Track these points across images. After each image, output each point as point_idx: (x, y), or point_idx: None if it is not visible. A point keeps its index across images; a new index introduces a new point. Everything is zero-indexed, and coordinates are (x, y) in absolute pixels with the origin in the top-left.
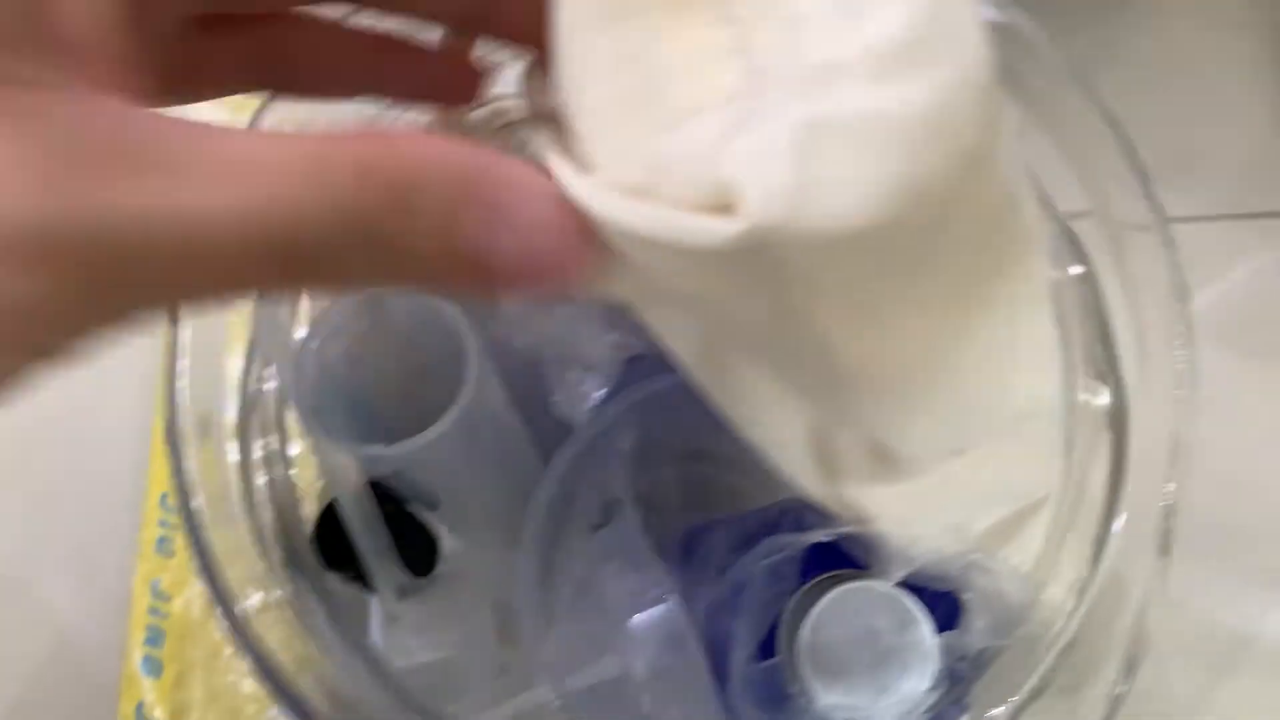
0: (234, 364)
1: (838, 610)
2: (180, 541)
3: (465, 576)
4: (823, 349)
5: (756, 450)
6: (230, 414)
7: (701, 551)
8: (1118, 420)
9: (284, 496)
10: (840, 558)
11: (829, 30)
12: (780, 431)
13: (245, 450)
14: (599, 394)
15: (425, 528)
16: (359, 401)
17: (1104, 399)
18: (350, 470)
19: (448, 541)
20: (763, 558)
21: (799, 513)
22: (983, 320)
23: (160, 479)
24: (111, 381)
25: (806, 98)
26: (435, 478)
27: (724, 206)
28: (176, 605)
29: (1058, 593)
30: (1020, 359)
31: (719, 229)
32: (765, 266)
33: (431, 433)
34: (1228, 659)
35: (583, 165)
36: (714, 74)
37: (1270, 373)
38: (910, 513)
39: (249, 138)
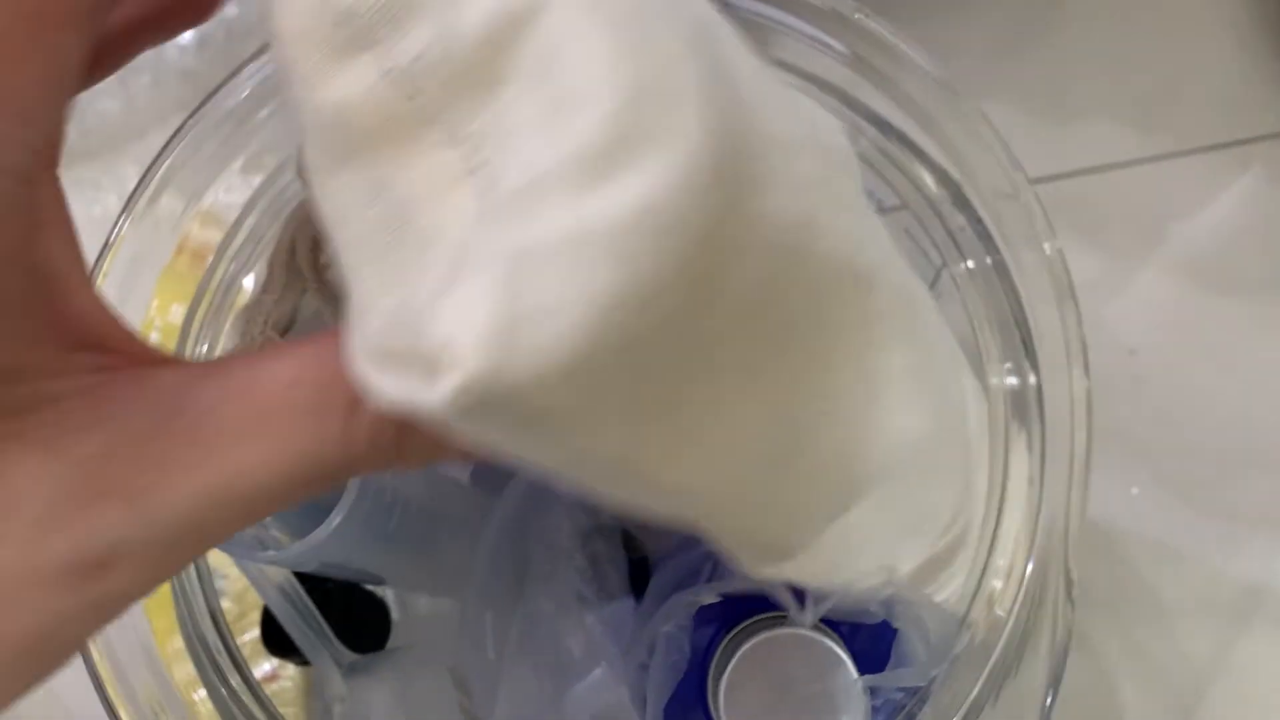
0: None
1: (757, 660)
2: None
3: (426, 646)
4: (643, 479)
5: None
6: None
7: (654, 588)
8: (1037, 407)
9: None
10: (760, 599)
11: (534, 144)
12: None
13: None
14: None
15: (376, 601)
16: None
17: (1018, 385)
18: (263, 570)
19: (421, 605)
20: (663, 623)
21: (714, 560)
22: (824, 383)
23: None
24: None
25: (510, 227)
26: (361, 560)
27: (436, 363)
28: None
29: (985, 613)
30: (882, 401)
31: (430, 392)
32: (515, 419)
33: (318, 535)
34: (1239, 615)
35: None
36: (452, 198)
37: (1259, 306)
38: (833, 564)
39: (260, 380)
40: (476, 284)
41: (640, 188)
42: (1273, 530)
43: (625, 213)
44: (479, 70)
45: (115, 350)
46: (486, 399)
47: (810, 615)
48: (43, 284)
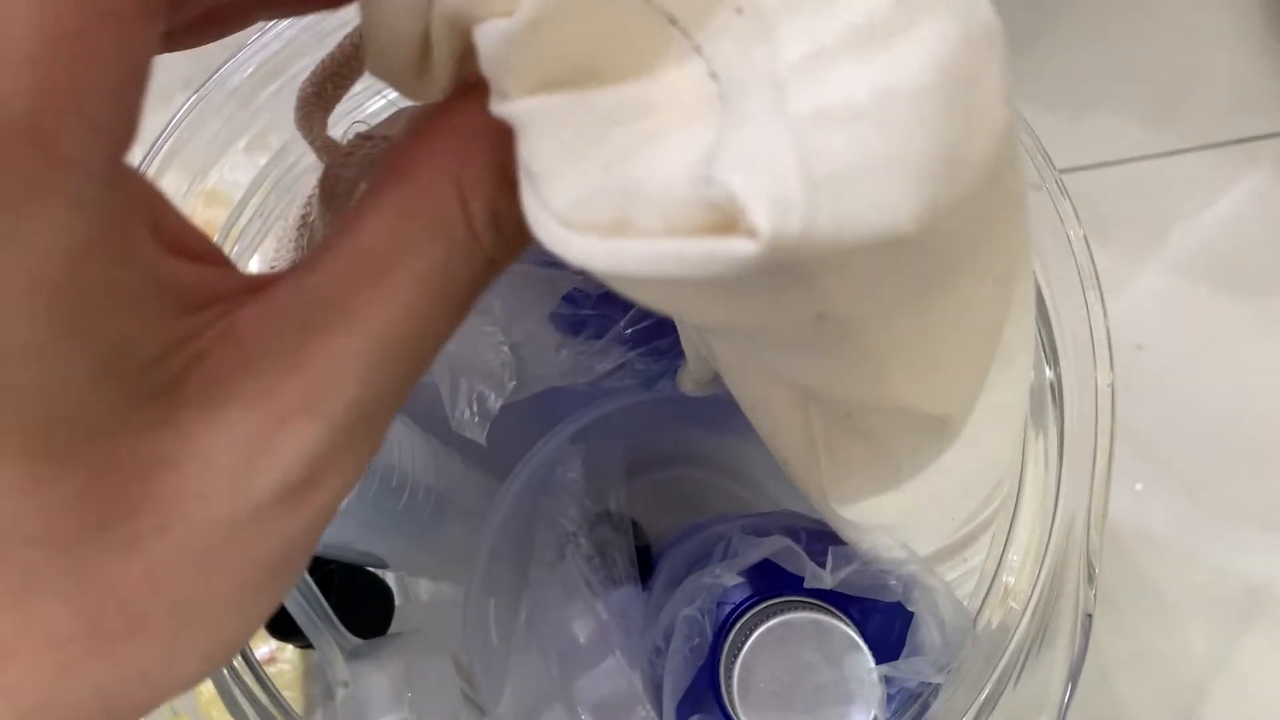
0: None
1: (771, 645)
2: None
3: (430, 631)
4: (852, 336)
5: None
6: None
7: (665, 574)
8: (1055, 403)
9: None
10: (778, 576)
11: (799, 23)
12: (793, 438)
13: None
14: (496, 406)
15: (380, 585)
16: None
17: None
18: None
19: (423, 590)
20: (684, 605)
21: (728, 539)
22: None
23: None
24: None
25: (793, 93)
26: (366, 542)
27: (722, 225)
28: None
29: (1002, 604)
30: (1008, 352)
31: (726, 252)
32: (784, 279)
33: None
34: (1242, 612)
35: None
36: (669, 92)
37: (1266, 303)
38: (900, 518)
39: (365, 242)
40: (762, 146)
41: (934, 44)
42: (1277, 528)
43: (924, 71)
44: None
45: (228, 294)
46: (789, 260)
47: (829, 577)
48: (150, 269)
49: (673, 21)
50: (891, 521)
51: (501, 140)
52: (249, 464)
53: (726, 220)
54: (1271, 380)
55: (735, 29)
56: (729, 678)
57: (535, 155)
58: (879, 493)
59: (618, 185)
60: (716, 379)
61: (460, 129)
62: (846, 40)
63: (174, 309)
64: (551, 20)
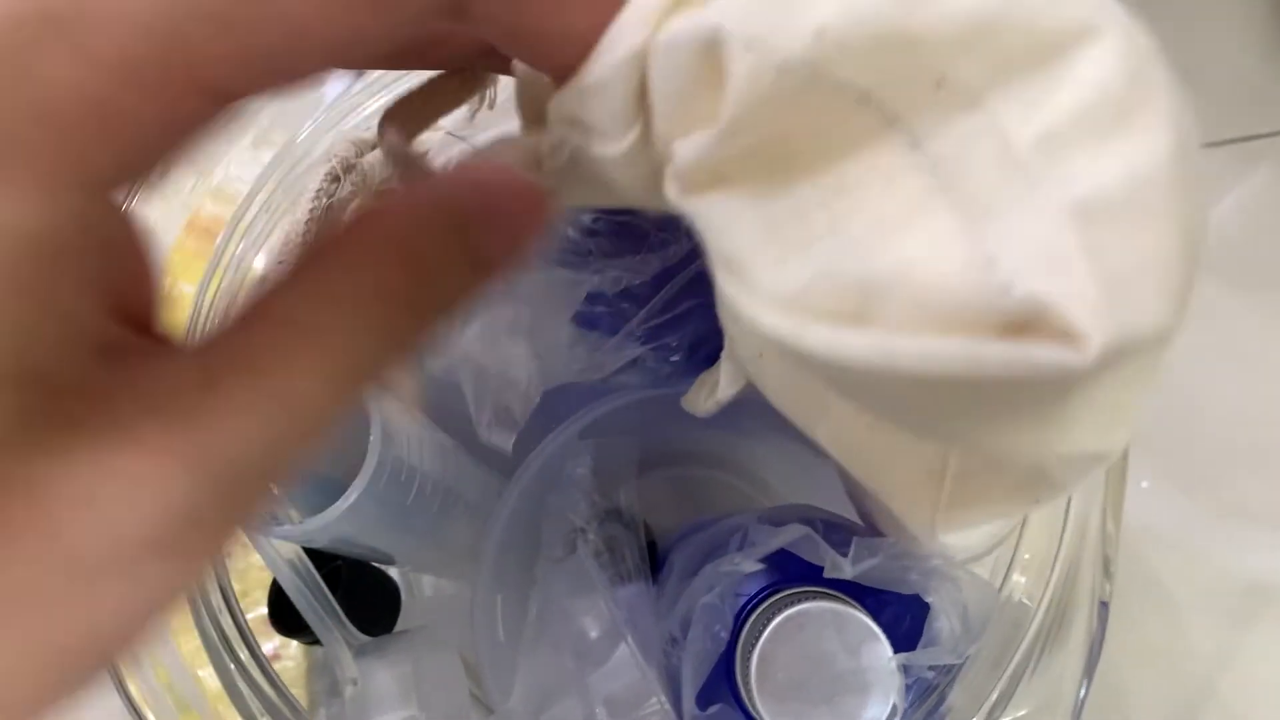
0: None
1: (789, 634)
2: None
3: (437, 628)
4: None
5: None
6: None
7: (678, 567)
8: None
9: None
10: (795, 566)
11: (1016, 100)
12: (910, 474)
13: None
14: (523, 418)
15: (386, 581)
16: None
17: None
18: (275, 546)
19: (426, 586)
20: (703, 593)
21: (745, 530)
22: None
23: None
24: None
25: (1042, 181)
26: (372, 537)
27: (1015, 327)
28: None
29: (1021, 584)
30: None
31: (1043, 359)
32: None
33: (336, 509)
34: (1247, 609)
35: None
36: (886, 179)
37: (1269, 301)
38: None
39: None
40: (1045, 243)
41: (1160, 138)
42: None
43: (1160, 164)
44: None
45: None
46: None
47: (850, 567)
48: (81, 315)
49: (866, 99)
50: (977, 543)
51: None
52: (120, 504)
53: (1019, 321)
54: (1276, 378)
55: (937, 103)
56: (746, 667)
57: (736, 244)
58: (994, 519)
59: (854, 274)
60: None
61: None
62: (1081, 121)
63: (92, 354)
64: (749, 122)
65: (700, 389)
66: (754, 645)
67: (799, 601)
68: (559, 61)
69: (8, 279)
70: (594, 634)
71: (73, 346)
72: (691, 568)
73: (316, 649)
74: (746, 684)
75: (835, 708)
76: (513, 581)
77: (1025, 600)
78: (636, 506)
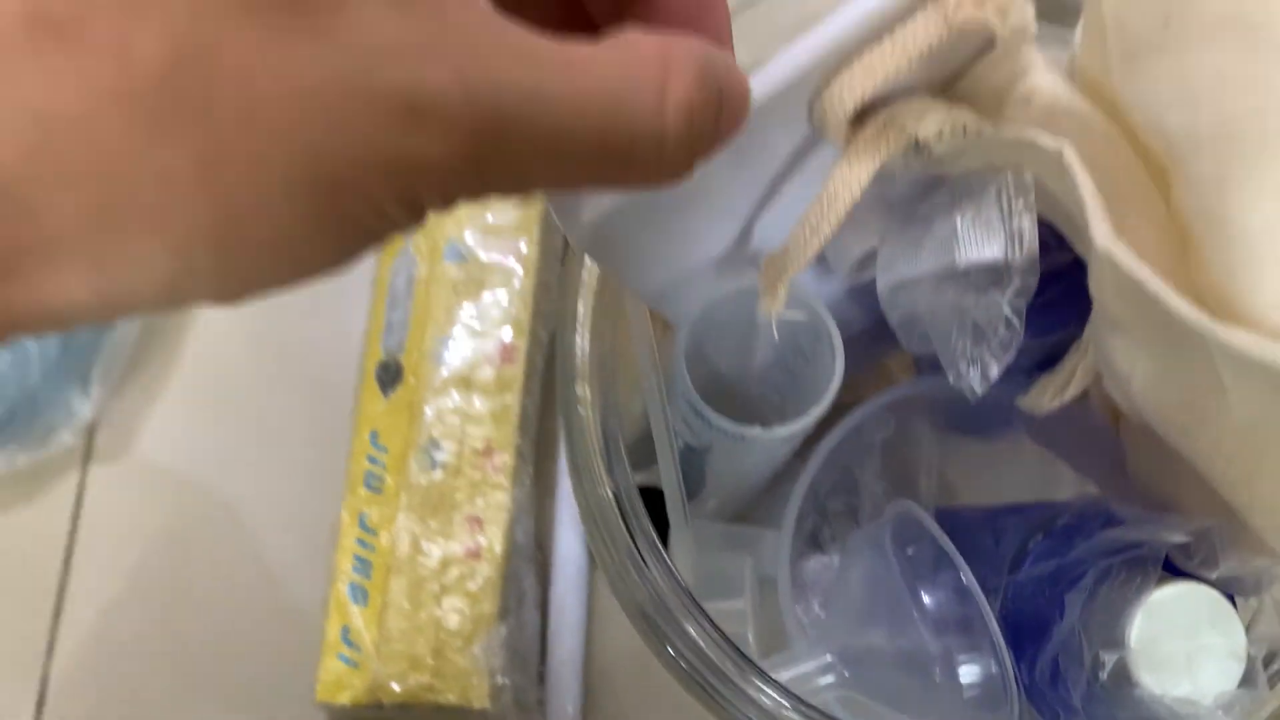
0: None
1: (1167, 608)
2: (390, 480)
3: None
4: None
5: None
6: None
7: (994, 538)
8: None
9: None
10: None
11: None
12: None
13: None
14: (995, 372)
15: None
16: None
17: None
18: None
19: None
20: (1108, 555)
21: (1105, 512)
22: None
23: (370, 416)
24: (326, 319)
25: None
26: (741, 465)
27: None
28: (383, 540)
29: None
30: None
31: None
32: None
33: (798, 424)
34: None
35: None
36: None
37: None
38: None
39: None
40: None
41: None
42: None
43: None
44: None
45: None
46: None
47: (1211, 569)
48: None
49: None
50: None
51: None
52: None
53: None
54: None
55: None
56: (1110, 630)
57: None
58: None
59: None
60: None
61: (672, 41)
62: None
63: None
64: None
65: (1046, 388)
66: (1125, 612)
67: (1167, 581)
68: None
69: None
70: (920, 582)
71: None
72: (1031, 533)
73: (510, 559)
74: (1124, 644)
75: (1196, 678)
76: (815, 533)
77: None
78: (936, 488)
